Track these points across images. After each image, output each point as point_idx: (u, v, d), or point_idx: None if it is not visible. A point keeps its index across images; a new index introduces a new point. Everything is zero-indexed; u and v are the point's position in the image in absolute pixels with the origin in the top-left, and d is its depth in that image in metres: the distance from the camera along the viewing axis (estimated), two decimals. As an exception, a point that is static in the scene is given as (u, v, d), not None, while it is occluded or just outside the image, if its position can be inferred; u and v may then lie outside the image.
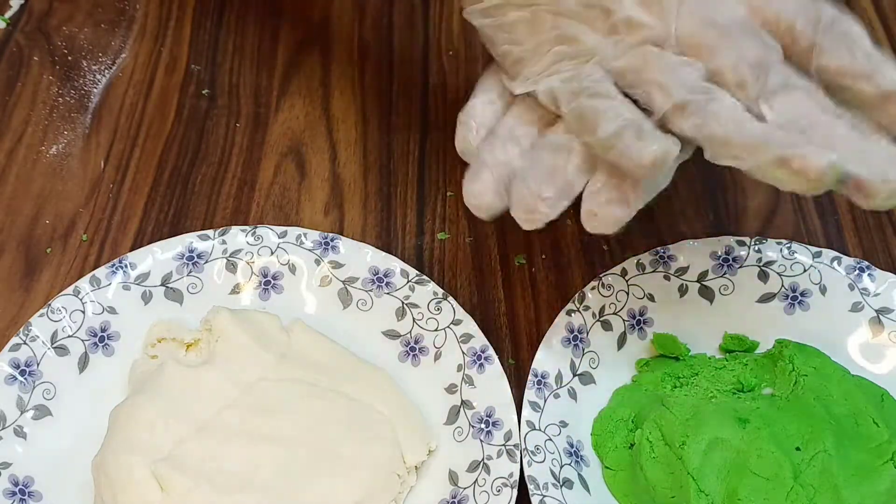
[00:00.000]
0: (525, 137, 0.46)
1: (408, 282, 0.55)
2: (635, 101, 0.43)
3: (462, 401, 0.51)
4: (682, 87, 0.41)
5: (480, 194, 0.45)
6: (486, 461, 0.49)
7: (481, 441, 0.50)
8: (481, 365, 0.52)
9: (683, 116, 0.41)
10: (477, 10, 0.47)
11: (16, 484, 0.48)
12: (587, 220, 0.43)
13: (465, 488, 0.49)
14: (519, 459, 0.48)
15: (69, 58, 0.69)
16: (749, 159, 0.40)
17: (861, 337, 0.54)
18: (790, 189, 0.40)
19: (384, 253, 0.56)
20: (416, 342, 0.54)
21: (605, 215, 0.43)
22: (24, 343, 0.51)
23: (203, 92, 0.67)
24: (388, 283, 0.55)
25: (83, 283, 0.54)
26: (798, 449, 0.48)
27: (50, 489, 0.49)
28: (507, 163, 0.45)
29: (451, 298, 0.54)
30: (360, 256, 0.56)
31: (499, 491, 0.48)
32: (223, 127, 0.66)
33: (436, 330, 0.53)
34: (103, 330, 0.53)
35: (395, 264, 0.55)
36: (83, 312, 0.53)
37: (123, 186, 0.62)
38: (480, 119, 0.47)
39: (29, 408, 0.50)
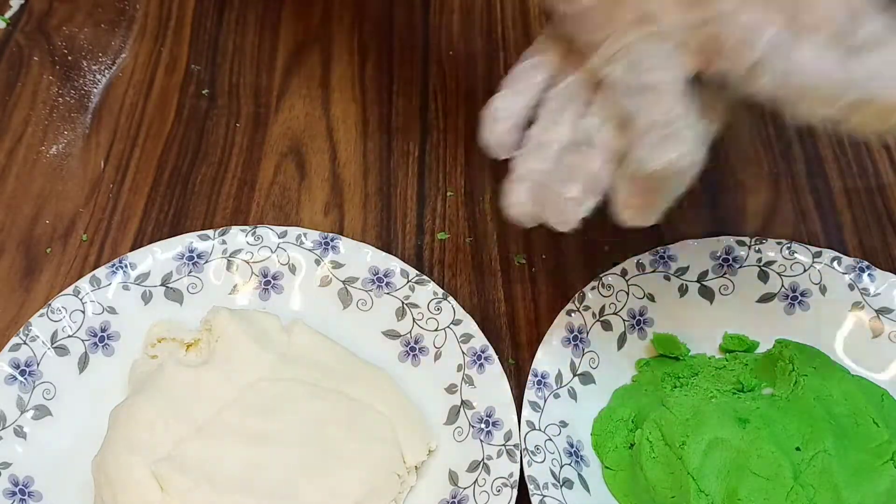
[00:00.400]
0: (555, 142, 0.46)
1: (408, 282, 0.55)
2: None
3: (462, 401, 0.51)
4: (761, 43, 0.41)
5: (520, 204, 0.45)
6: (486, 461, 0.49)
7: (481, 441, 0.50)
8: (481, 365, 0.52)
9: (763, 73, 0.41)
10: None
11: (16, 484, 0.48)
12: (623, 209, 0.44)
13: (465, 488, 0.49)
14: (519, 459, 0.48)
15: (69, 58, 0.69)
16: (831, 107, 0.40)
17: (861, 337, 0.54)
18: (874, 130, 0.40)
19: (384, 253, 0.56)
20: (416, 342, 0.54)
21: (637, 205, 0.43)
22: (24, 343, 0.51)
23: (203, 92, 0.67)
24: (388, 283, 0.55)
25: (83, 283, 0.54)
26: (798, 449, 0.48)
27: (50, 489, 0.49)
28: (539, 170, 0.45)
29: (451, 298, 0.54)
30: (360, 256, 0.56)
31: (499, 491, 0.48)
32: (223, 127, 0.66)
33: (436, 330, 0.53)
34: (103, 330, 0.53)
35: (395, 264, 0.55)
36: (83, 312, 0.53)
37: (123, 186, 0.62)
38: (505, 113, 0.47)
39: (29, 408, 0.50)
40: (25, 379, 0.51)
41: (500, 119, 0.47)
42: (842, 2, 0.41)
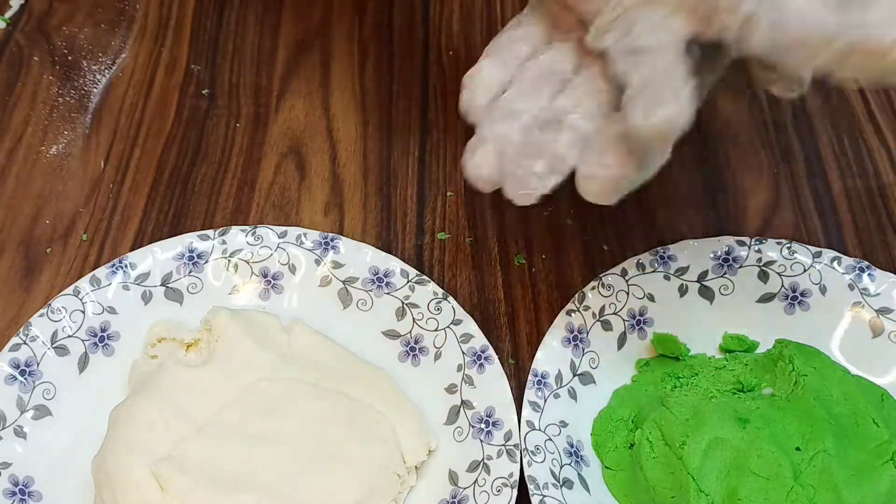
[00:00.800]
0: (526, 112, 0.45)
1: (408, 282, 0.55)
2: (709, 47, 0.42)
3: (462, 401, 0.51)
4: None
5: (479, 166, 0.45)
6: (486, 461, 0.49)
7: (481, 441, 0.50)
8: (481, 365, 0.52)
9: (756, 28, 0.41)
10: None
11: (16, 484, 0.48)
12: (584, 183, 0.42)
13: (465, 488, 0.49)
14: (519, 459, 0.48)
15: (69, 58, 0.69)
16: (823, 53, 0.39)
17: (861, 337, 0.54)
18: (876, 77, 0.40)
19: (384, 253, 0.56)
20: (416, 342, 0.54)
21: (604, 177, 0.42)
22: (24, 343, 0.51)
23: (203, 92, 0.67)
24: (388, 283, 0.55)
25: (83, 283, 0.54)
26: (798, 449, 0.48)
27: (50, 489, 0.49)
28: (506, 136, 0.45)
29: (451, 298, 0.54)
30: (360, 256, 0.56)
31: (499, 491, 0.48)
32: (223, 127, 0.66)
33: (436, 330, 0.53)
34: (103, 330, 0.53)
35: (395, 264, 0.55)
36: (83, 312, 0.53)
37: (123, 186, 0.62)
38: (486, 82, 0.47)
39: (29, 408, 0.50)
40: (25, 379, 0.51)
41: (478, 89, 0.47)
42: None
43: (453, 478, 0.49)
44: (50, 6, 0.72)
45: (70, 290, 0.53)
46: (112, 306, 0.54)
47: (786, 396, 0.51)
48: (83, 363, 0.52)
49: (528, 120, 0.45)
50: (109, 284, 0.54)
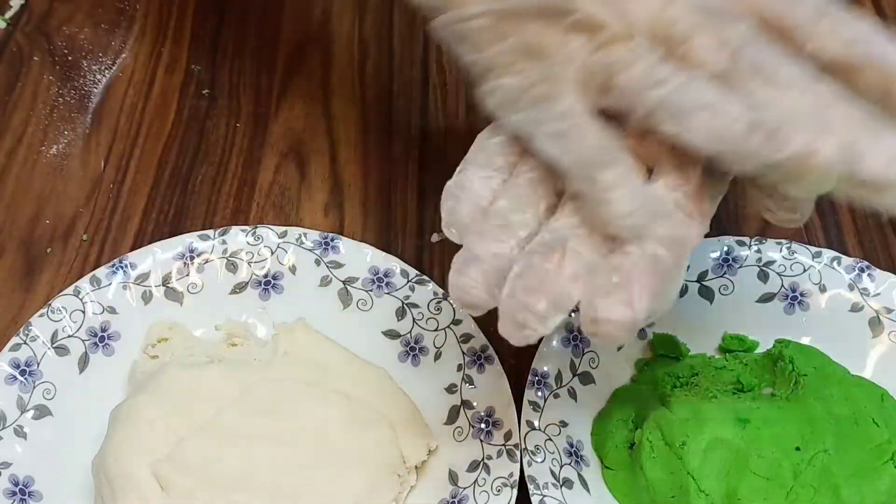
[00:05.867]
0: (522, 226, 0.39)
1: (408, 282, 0.55)
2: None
3: (462, 401, 0.51)
4: (653, 89, 0.37)
5: (468, 290, 0.39)
6: (486, 461, 0.49)
7: (481, 441, 0.50)
8: (481, 365, 0.52)
9: (662, 122, 0.38)
10: (441, 22, 0.43)
11: (16, 484, 0.48)
12: (589, 326, 0.37)
13: (465, 488, 0.49)
14: (519, 459, 0.48)
15: (69, 58, 0.69)
16: (743, 165, 0.37)
17: (861, 337, 0.54)
18: (797, 193, 0.37)
19: (384, 253, 0.56)
20: (416, 342, 0.54)
21: (610, 318, 0.36)
22: (24, 343, 0.51)
23: (203, 92, 0.67)
24: (388, 283, 0.55)
25: (83, 283, 0.54)
26: (798, 449, 0.48)
27: (50, 489, 0.49)
28: (500, 255, 0.39)
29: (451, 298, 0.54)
30: (360, 256, 0.56)
31: (499, 491, 0.48)
32: (223, 127, 0.66)
33: (436, 330, 0.53)
34: (103, 330, 0.53)
35: (395, 264, 0.55)
36: (83, 312, 0.53)
37: (123, 186, 0.62)
38: (475, 193, 0.41)
39: (29, 408, 0.50)
40: (25, 379, 0.51)
41: (462, 199, 0.41)
42: (716, 41, 0.38)
43: (453, 478, 0.49)
44: (50, 6, 0.72)
45: (70, 289, 0.53)
46: (112, 306, 0.54)
47: (786, 396, 0.51)
48: (83, 363, 0.52)
49: (525, 236, 0.39)
50: (109, 284, 0.54)
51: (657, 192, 0.39)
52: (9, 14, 0.71)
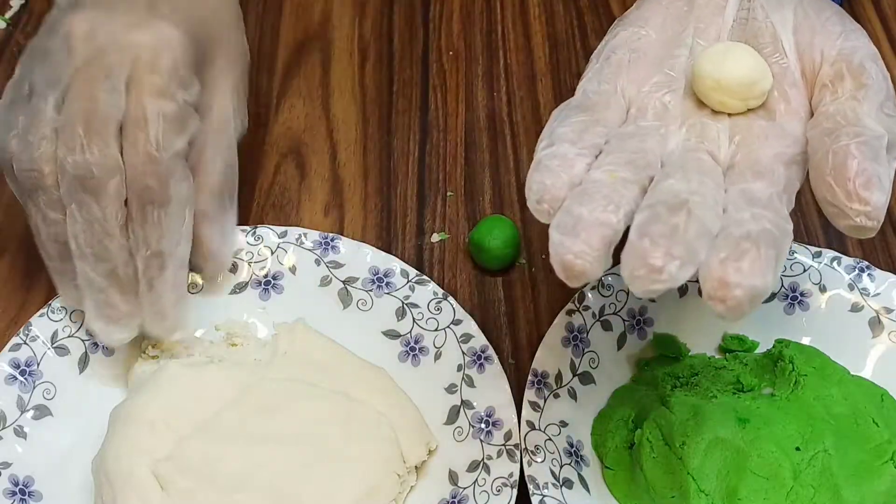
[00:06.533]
0: (627, 201, 0.37)
1: (408, 282, 0.55)
2: None
3: (462, 401, 0.51)
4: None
5: (582, 255, 0.36)
6: (486, 461, 0.49)
7: (481, 441, 0.50)
8: (481, 365, 0.52)
9: None
10: None
11: (16, 484, 0.48)
12: (718, 291, 0.35)
13: (465, 488, 0.49)
14: (519, 459, 0.48)
15: (69, 58, 0.69)
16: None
17: (861, 337, 0.54)
18: None
19: (384, 253, 0.56)
20: (416, 342, 0.54)
21: (742, 283, 0.34)
22: (25, 343, 0.51)
23: (203, 92, 0.67)
24: (388, 283, 0.55)
25: (83, 283, 0.54)
26: (798, 449, 0.48)
27: (50, 489, 0.49)
28: (608, 225, 0.36)
29: (451, 298, 0.54)
30: (360, 256, 0.56)
31: (499, 491, 0.48)
32: (223, 127, 0.66)
33: (436, 330, 0.53)
34: (103, 330, 0.53)
35: (395, 264, 0.55)
36: (83, 312, 0.53)
37: (123, 186, 0.62)
38: (571, 166, 0.39)
39: (29, 408, 0.50)
40: (25, 379, 0.51)
41: (560, 174, 0.38)
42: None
43: (453, 478, 0.49)
44: (50, 6, 0.72)
45: (70, 290, 0.53)
46: (112, 306, 0.54)
47: (786, 396, 0.51)
48: (83, 363, 0.52)
49: (629, 209, 0.37)
50: (109, 284, 0.54)
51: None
52: (9, 14, 0.71)
